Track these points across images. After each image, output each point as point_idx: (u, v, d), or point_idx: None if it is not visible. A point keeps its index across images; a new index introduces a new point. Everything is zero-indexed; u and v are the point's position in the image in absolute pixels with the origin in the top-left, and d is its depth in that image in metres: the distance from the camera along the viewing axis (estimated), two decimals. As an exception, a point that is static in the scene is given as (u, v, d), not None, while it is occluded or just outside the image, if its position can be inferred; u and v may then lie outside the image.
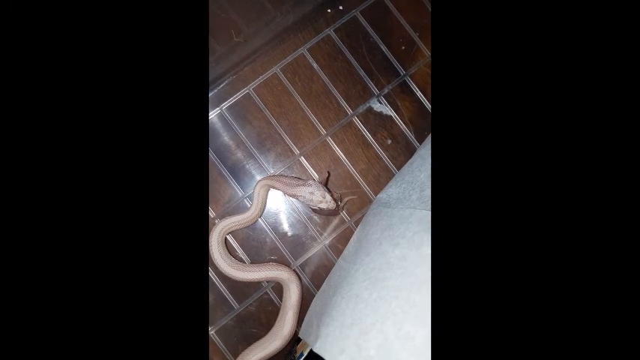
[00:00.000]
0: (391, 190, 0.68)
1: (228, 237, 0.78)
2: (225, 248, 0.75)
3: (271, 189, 0.78)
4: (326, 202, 0.72)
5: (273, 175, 0.78)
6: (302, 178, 0.77)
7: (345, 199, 0.79)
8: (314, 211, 0.77)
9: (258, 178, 0.79)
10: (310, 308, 0.71)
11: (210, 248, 0.73)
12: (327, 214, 0.79)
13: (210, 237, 0.74)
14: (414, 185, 0.61)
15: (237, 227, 0.75)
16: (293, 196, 0.74)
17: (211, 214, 0.78)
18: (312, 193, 0.72)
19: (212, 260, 0.74)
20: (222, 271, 0.73)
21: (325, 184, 0.75)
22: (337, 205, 0.74)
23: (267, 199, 0.78)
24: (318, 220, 0.79)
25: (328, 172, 0.78)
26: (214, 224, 0.75)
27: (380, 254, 0.52)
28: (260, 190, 0.75)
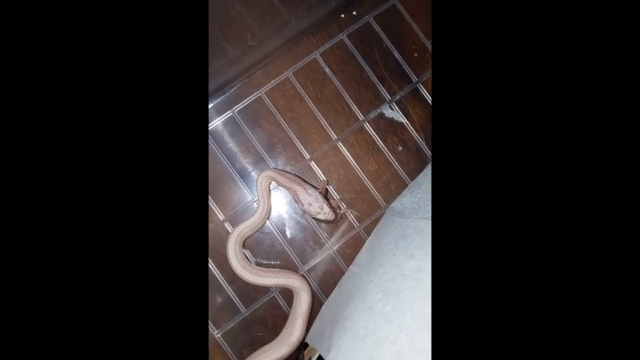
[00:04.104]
0: (405, 200, 0.68)
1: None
2: (241, 252, 0.76)
3: (273, 182, 0.78)
4: (324, 213, 0.73)
5: (277, 169, 0.78)
6: (305, 181, 0.76)
7: (344, 211, 0.78)
8: (313, 218, 0.77)
9: (263, 175, 0.77)
10: (320, 315, 0.70)
11: (227, 252, 0.74)
12: (325, 224, 0.78)
13: (227, 242, 0.75)
14: (429, 195, 0.61)
15: (253, 230, 0.76)
16: (293, 194, 0.74)
17: (220, 216, 0.78)
18: (310, 204, 0.72)
19: (229, 263, 0.75)
20: (238, 274, 0.74)
21: (325, 193, 0.75)
22: (336, 216, 0.74)
23: (270, 193, 0.78)
24: (326, 225, 0.79)
25: (327, 181, 0.78)
26: (230, 231, 0.77)
27: (394, 265, 0.52)
28: (262, 180, 0.76)
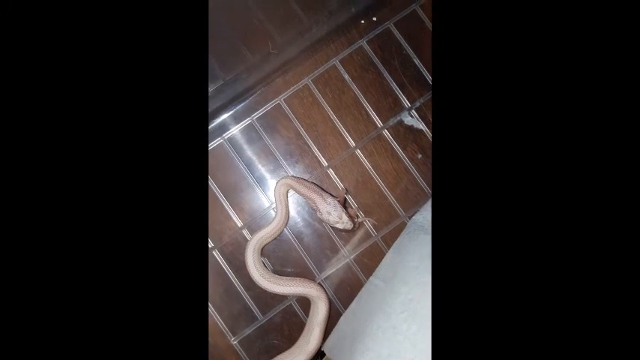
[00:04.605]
0: (428, 214, 0.67)
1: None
2: (260, 260, 0.76)
3: (291, 190, 0.78)
4: (342, 222, 0.72)
5: (295, 177, 0.78)
6: (323, 189, 0.76)
7: (362, 220, 0.78)
8: (331, 226, 0.76)
9: (281, 183, 0.77)
10: (338, 327, 0.70)
11: (246, 260, 0.75)
12: (343, 232, 0.78)
13: (245, 250, 0.75)
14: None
15: (271, 237, 0.76)
16: (311, 202, 0.74)
17: (238, 223, 0.79)
18: (329, 213, 0.72)
19: (247, 270, 0.75)
20: (256, 282, 0.74)
21: (343, 201, 0.75)
22: (354, 225, 0.74)
23: (288, 201, 0.78)
24: (343, 233, 0.79)
25: (346, 190, 0.78)
26: (248, 238, 0.77)
27: (419, 285, 0.51)
28: (280, 188, 0.75)
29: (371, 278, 0.70)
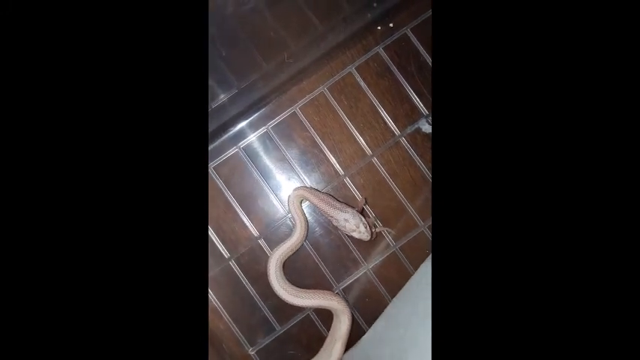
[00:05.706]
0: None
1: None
2: (282, 274, 0.75)
3: (306, 200, 0.77)
4: (359, 232, 0.71)
5: (308, 187, 0.77)
6: (339, 200, 0.75)
7: (380, 230, 0.77)
8: (347, 235, 0.75)
9: (294, 194, 0.76)
10: (363, 347, 0.68)
11: (268, 273, 0.74)
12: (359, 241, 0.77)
13: (268, 265, 0.74)
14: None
15: (293, 250, 0.76)
16: (325, 214, 0.73)
17: (255, 233, 0.78)
18: (346, 221, 0.71)
19: (270, 285, 0.74)
20: (279, 296, 0.74)
21: (361, 211, 0.74)
22: (371, 236, 0.73)
23: (304, 211, 0.77)
24: (361, 243, 0.78)
25: (365, 199, 0.76)
26: (267, 252, 0.77)
27: None
28: (294, 199, 0.75)
29: (393, 299, 0.68)
